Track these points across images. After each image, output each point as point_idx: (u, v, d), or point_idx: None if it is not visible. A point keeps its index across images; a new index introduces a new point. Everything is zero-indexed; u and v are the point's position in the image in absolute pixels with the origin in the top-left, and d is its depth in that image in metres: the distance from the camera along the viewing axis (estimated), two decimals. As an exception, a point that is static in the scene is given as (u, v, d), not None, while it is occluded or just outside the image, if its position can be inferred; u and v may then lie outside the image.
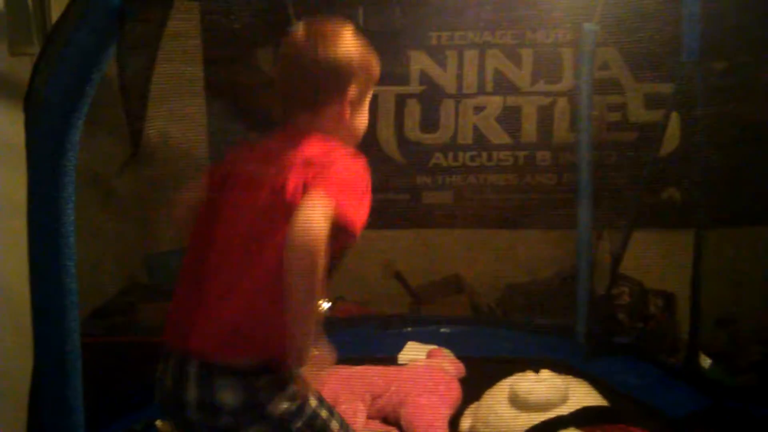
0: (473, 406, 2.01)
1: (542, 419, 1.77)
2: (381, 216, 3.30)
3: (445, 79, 3.10)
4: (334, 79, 1.33)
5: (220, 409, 1.24)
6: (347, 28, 1.38)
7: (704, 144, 2.45)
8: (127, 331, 2.62)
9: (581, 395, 1.89)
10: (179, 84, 3.03)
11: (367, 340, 2.60)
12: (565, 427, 1.71)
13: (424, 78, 3.10)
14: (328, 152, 1.30)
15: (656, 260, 2.98)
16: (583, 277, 2.50)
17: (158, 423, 1.97)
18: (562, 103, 3.09)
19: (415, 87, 3.12)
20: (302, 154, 1.27)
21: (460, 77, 3.09)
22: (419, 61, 3.09)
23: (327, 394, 2.03)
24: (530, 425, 1.76)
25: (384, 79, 3.14)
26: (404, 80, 3.10)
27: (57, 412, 0.96)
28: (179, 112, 3.02)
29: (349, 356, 2.31)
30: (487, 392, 1.99)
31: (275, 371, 1.25)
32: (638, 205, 2.47)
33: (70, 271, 0.92)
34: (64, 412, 0.96)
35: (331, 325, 2.77)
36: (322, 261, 1.15)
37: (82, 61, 0.91)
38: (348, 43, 1.34)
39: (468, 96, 3.11)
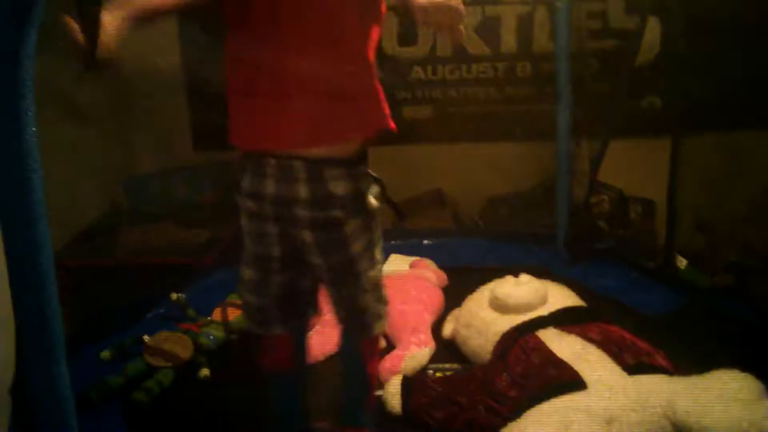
0: (455, 312, 2.06)
1: (522, 320, 1.81)
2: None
3: (422, -10, 3.02)
4: None
5: (332, 201, 1.30)
6: None
7: (682, 48, 2.43)
8: (110, 254, 2.63)
9: (560, 298, 1.93)
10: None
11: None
12: (544, 326, 1.75)
13: (400, -9, 3.03)
14: None
15: (636, 168, 3.00)
16: (562, 185, 2.52)
17: (146, 338, 2.01)
18: (541, 11, 3.03)
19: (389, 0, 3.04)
20: None
21: (437, -12, 3.02)
22: (394, -28, 3.01)
23: None
24: (510, 326, 1.80)
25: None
26: (380, -6, 3.03)
27: (35, 332, 0.97)
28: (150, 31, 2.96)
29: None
30: (468, 298, 2.04)
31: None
32: (616, 113, 2.47)
33: (36, 184, 0.91)
34: (42, 332, 0.97)
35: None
36: None
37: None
38: None
39: (446, 7, 3.04)
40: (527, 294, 1.87)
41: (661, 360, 1.58)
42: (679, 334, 1.90)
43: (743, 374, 1.49)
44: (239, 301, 2.22)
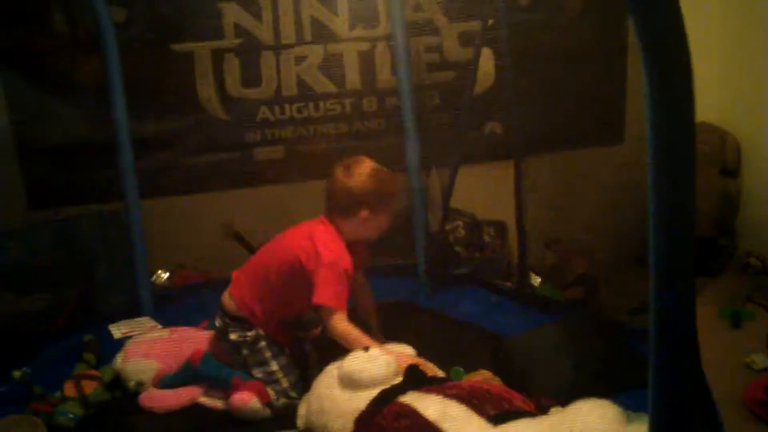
0: (303, 402, 1.95)
1: (377, 392, 1.73)
2: (213, 177, 3.24)
3: (262, 30, 3.01)
4: (349, 201, 1.97)
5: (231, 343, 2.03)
6: (366, 165, 2.00)
7: (514, 75, 2.56)
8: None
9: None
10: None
11: (213, 305, 2.52)
12: (404, 392, 1.69)
13: (240, 30, 2.99)
14: (323, 247, 1.95)
15: (485, 192, 3.12)
16: (418, 216, 2.56)
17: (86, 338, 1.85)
18: (381, 47, 3.10)
19: (231, 41, 3.00)
20: (313, 246, 1.96)
21: (276, 27, 3.01)
22: (232, 13, 2.97)
23: (168, 361, 2.04)
24: (366, 401, 1.71)
25: (197, 35, 3.05)
26: (219, 34, 2.98)
27: None
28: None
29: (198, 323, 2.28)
30: (315, 382, 1.91)
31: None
32: (462, 141, 2.56)
33: None
34: None
35: (175, 294, 2.71)
36: (353, 334, 1.90)
37: None
38: (362, 175, 1.97)
39: (287, 47, 3.04)
40: (381, 368, 1.77)
41: (520, 403, 1.59)
42: (541, 355, 1.95)
43: (601, 402, 1.52)
44: (92, 372, 2.08)
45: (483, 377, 1.84)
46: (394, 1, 2.46)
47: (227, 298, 2.05)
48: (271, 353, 2.00)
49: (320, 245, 1.95)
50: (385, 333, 2.11)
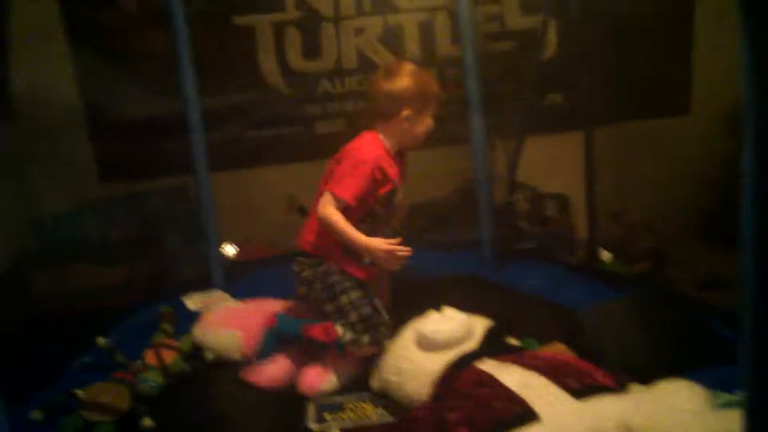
0: (379, 364, 1.94)
1: (454, 355, 1.77)
2: (276, 151, 3.27)
3: (322, 2, 3.00)
4: (391, 103, 1.98)
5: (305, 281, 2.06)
6: (405, 66, 2.01)
7: (579, 45, 2.51)
8: (22, 304, 2.47)
9: (483, 326, 1.91)
10: (38, 27, 2.79)
11: (281, 278, 2.56)
12: (480, 358, 1.71)
13: (300, 3, 2.99)
14: (352, 149, 2.01)
15: (547, 164, 3.09)
16: (482, 189, 2.55)
17: (78, 392, 1.90)
18: (441, 17, 3.07)
19: (291, 13, 3.01)
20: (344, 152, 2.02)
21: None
22: (293, -14, 2.97)
23: (249, 332, 2.08)
24: (444, 363, 1.75)
25: (259, 8, 3.06)
26: (280, 7, 2.98)
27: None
28: (42, 59, 2.80)
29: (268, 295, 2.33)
30: (391, 343, 1.94)
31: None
32: (528, 112, 2.52)
33: None
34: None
35: (243, 267, 2.76)
36: (332, 219, 1.92)
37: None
38: (402, 76, 1.98)
39: (347, 18, 3.03)
40: (455, 328, 1.82)
41: (603, 378, 1.58)
42: (614, 330, 1.94)
43: (687, 383, 1.52)
44: (171, 341, 2.14)
45: (557, 350, 1.84)
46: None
47: (300, 239, 2.08)
48: (341, 288, 1.98)
49: (354, 146, 2.00)
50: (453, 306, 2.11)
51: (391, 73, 1.99)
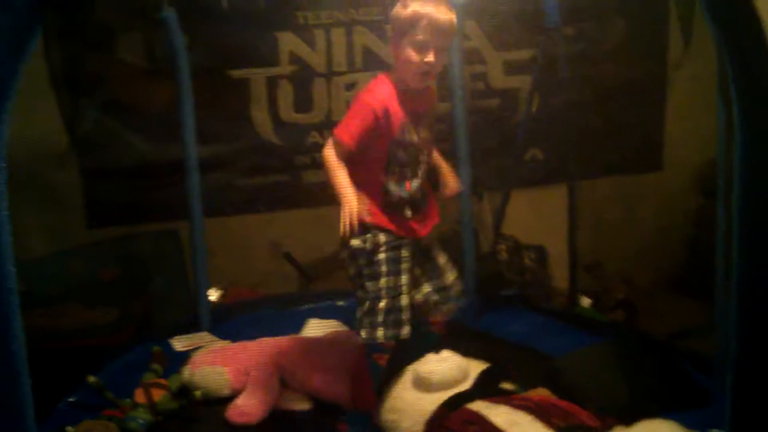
0: (387, 398, 1.98)
1: (446, 397, 1.81)
2: (264, 199, 3.34)
3: (315, 58, 3.13)
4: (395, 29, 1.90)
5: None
6: None
7: (565, 104, 2.66)
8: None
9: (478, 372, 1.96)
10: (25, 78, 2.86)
11: (267, 321, 2.62)
12: (472, 400, 1.76)
13: (294, 58, 3.12)
14: (360, 92, 1.98)
15: (526, 217, 3.20)
16: (467, 238, 2.64)
17: (69, 429, 1.91)
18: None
19: (285, 68, 3.13)
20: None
21: (329, 56, 3.14)
22: (288, 42, 3.10)
23: (237, 367, 2.08)
24: (436, 404, 1.80)
25: (254, 62, 3.17)
26: (274, 62, 3.11)
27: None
28: (31, 110, 2.87)
29: (253, 338, 2.37)
30: (392, 382, 1.99)
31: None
32: (515, 166, 2.64)
33: (8, 270, 0.91)
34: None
35: (229, 311, 2.80)
36: (325, 158, 1.93)
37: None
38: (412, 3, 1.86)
39: (339, 74, 3.16)
40: (450, 370, 1.88)
41: (587, 419, 1.65)
42: (593, 374, 2.01)
43: (667, 423, 1.59)
44: (160, 380, 2.17)
45: (542, 394, 1.90)
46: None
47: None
48: (388, 267, 1.91)
49: (363, 90, 1.97)
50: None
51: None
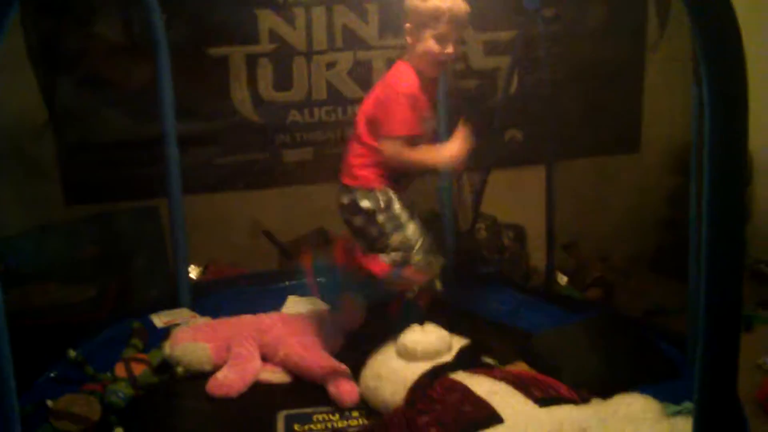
0: (362, 372, 2.03)
1: (428, 367, 1.86)
2: (243, 177, 3.35)
3: (295, 37, 3.12)
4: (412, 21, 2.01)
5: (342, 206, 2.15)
6: None
7: (544, 85, 2.68)
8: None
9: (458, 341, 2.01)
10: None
11: (247, 298, 2.63)
12: (454, 371, 1.81)
13: (274, 37, 3.11)
14: (387, 83, 2.09)
15: (505, 196, 3.23)
16: (447, 218, 2.67)
17: (49, 402, 1.92)
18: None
19: (265, 46, 3.11)
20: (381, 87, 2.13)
21: (309, 34, 3.13)
22: (267, 20, 3.08)
23: (218, 344, 2.10)
24: (418, 374, 1.84)
25: (233, 39, 3.16)
26: (254, 40, 3.09)
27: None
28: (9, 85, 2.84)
29: (233, 314, 2.38)
30: (374, 351, 2.05)
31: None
32: (495, 146, 2.67)
33: None
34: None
35: (209, 288, 2.80)
36: (410, 159, 2.04)
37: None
38: None
39: (319, 53, 3.15)
40: (435, 341, 1.93)
41: (565, 392, 1.69)
42: (569, 351, 2.05)
43: (642, 396, 1.64)
44: (141, 355, 2.18)
45: (521, 368, 1.94)
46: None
47: (343, 180, 2.16)
48: (407, 215, 2.08)
49: (389, 80, 2.08)
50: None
51: None
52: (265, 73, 3.14)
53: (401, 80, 2.02)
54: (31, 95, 2.94)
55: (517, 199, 3.23)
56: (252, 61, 3.11)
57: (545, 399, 1.62)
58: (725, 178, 1.04)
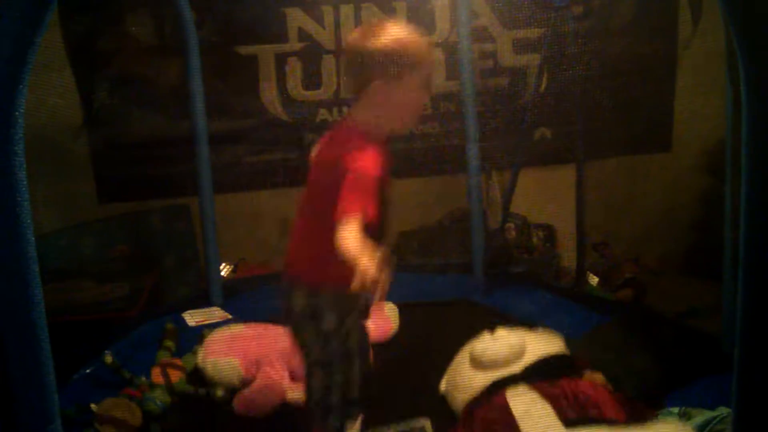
0: (450, 369, 2.04)
1: (497, 376, 1.84)
2: (273, 175, 3.35)
3: (323, 35, 3.13)
4: (360, 67, 1.53)
5: (293, 312, 1.64)
6: (388, 26, 1.53)
7: (574, 83, 2.65)
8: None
9: (539, 348, 1.96)
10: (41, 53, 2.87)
11: (277, 297, 2.63)
12: (516, 383, 1.78)
13: (303, 35, 3.12)
14: (353, 155, 1.48)
15: (534, 196, 3.21)
16: (476, 216, 2.65)
17: (93, 406, 1.94)
18: (437, 53, 3.20)
19: (294, 45, 3.12)
20: (342, 158, 1.48)
21: (338, 33, 3.13)
22: (296, 19, 3.09)
23: (249, 359, 2.11)
24: (485, 383, 1.84)
25: (262, 38, 3.17)
26: (283, 38, 3.10)
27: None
28: (46, 84, 2.88)
29: (263, 314, 2.39)
30: (457, 356, 2.04)
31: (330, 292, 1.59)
32: (525, 144, 2.65)
33: (29, 238, 0.94)
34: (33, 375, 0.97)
35: (240, 286, 2.82)
36: (360, 246, 1.36)
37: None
38: (378, 36, 1.50)
39: (347, 51, 3.15)
40: (502, 349, 1.90)
41: (610, 411, 1.65)
42: (608, 352, 2.03)
43: (680, 426, 1.61)
44: (176, 361, 2.20)
45: (594, 379, 1.87)
46: (461, 9, 2.56)
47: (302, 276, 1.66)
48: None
49: (351, 156, 1.48)
50: (443, 330, 2.19)
51: (365, 32, 1.54)
52: (294, 71, 3.15)
53: (362, 154, 1.49)
54: (68, 94, 2.98)
55: (547, 198, 3.21)
56: (281, 60, 3.12)
57: (575, 420, 1.60)
58: (763, 177, 1.02)
